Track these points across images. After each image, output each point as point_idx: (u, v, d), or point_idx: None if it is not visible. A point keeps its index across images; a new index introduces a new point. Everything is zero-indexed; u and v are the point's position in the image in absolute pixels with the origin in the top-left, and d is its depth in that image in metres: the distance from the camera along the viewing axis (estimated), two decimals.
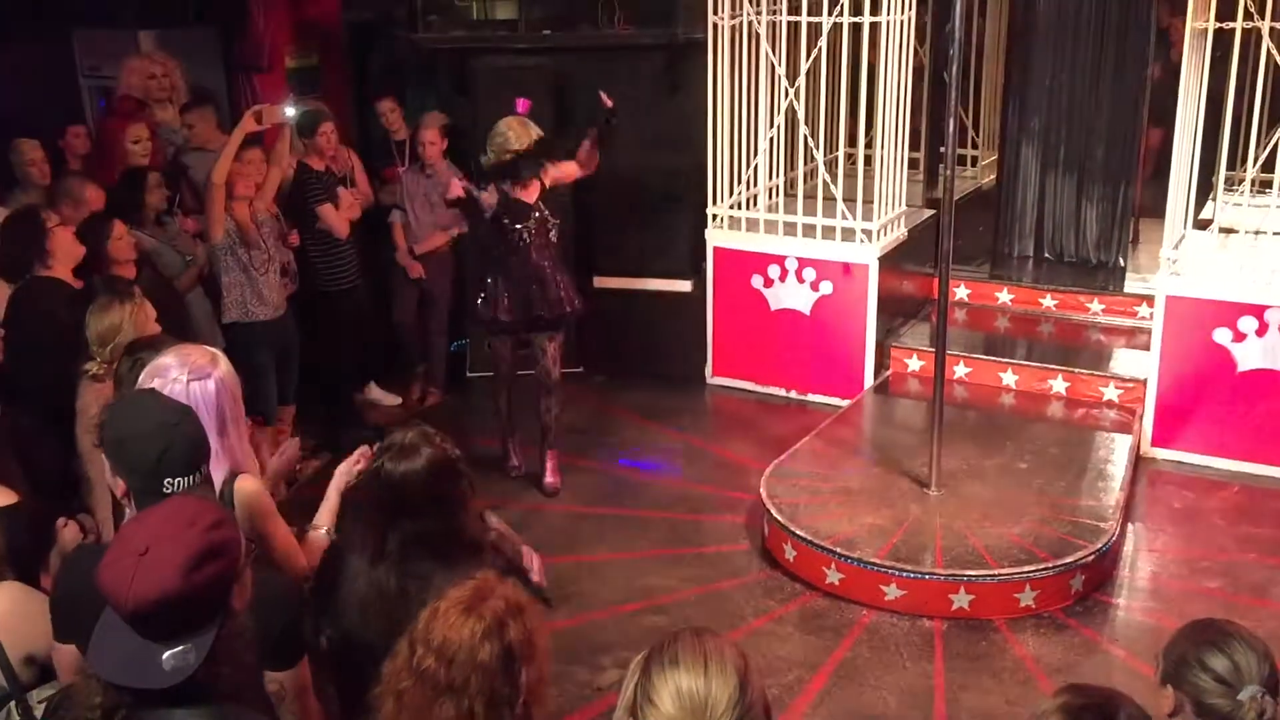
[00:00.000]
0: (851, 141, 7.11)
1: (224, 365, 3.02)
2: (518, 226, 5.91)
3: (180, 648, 1.92)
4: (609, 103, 5.95)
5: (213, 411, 2.92)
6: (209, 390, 2.92)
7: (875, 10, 6.66)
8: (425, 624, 2.15)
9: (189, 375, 2.91)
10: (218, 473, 2.92)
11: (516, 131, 5.86)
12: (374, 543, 2.83)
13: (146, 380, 2.94)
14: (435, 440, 2.88)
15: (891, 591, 5.06)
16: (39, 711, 2.61)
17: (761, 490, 5.70)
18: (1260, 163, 6.25)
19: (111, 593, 1.94)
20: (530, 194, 5.95)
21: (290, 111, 6.16)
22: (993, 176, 8.66)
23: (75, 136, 6.55)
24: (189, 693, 1.94)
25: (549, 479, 6.26)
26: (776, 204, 7.28)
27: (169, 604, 1.91)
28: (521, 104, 6.02)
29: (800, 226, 7.13)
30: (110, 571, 1.95)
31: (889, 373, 7.26)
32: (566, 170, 6.13)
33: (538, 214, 5.95)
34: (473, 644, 2.08)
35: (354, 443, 3.31)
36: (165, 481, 2.53)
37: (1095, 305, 7.56)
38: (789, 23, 6.98)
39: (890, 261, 7.13)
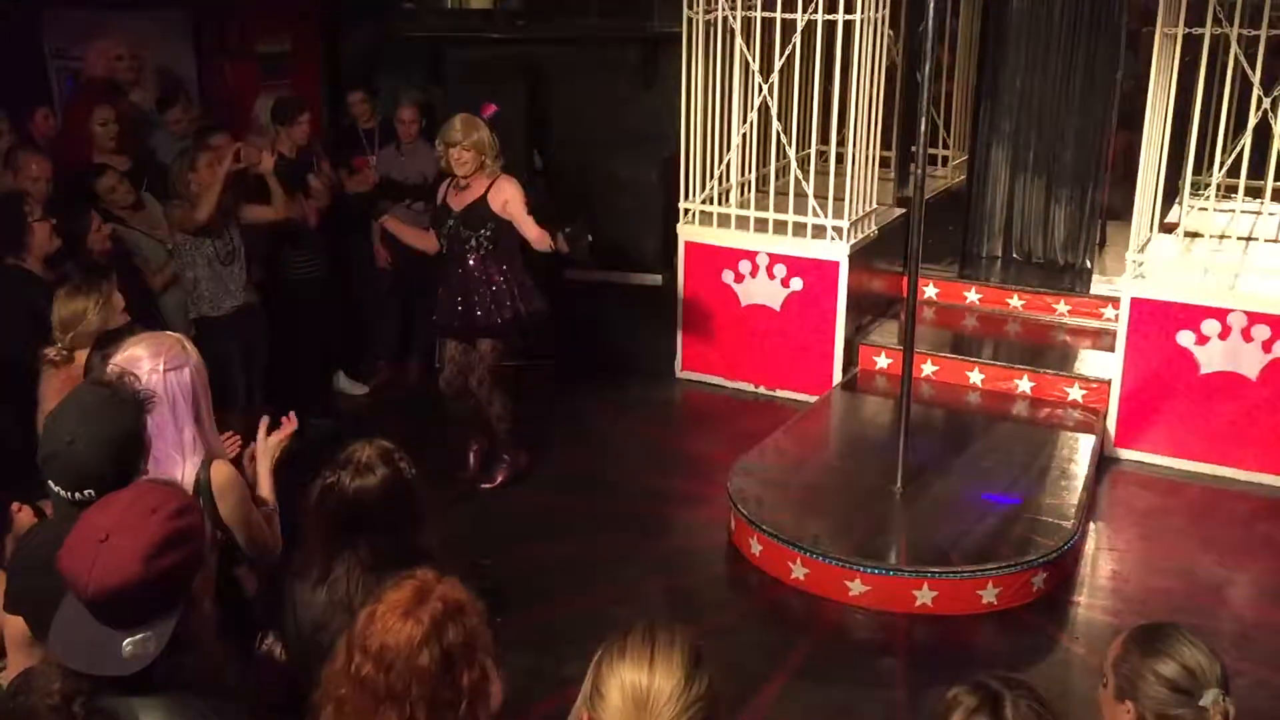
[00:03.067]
0: (824, 139, 7.13)
1: (194, 352, 3.02)
2: (438, 229, 5.91)
3: (140, 635, 1.91)
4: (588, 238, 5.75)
5: (189, 400, 2.91)
6: (185, 379, 2.91)
7: (850, 8, 6.68)
8: (362, 628, 2.10)
9: (165, 365, 2.89)
10: (194, 459, 2.91)
11: (462, 128, 5.67)
12: (325, 559, 2.80)
13: (122, 362, 2.92)
14: (393, 458, 2.86)
15: (856, 587, 5.08)
16: None
17: (728, 485, 5.72)
18: (1226, 168, 6.33)
19: (72, 579, 1.93)
20: (460, 199, 5.80)
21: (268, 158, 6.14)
22: (963, 177, 8.72)
23: (42, 119, 6.49)
24: (148, 681, 1.93)
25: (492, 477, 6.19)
26: (748, 200, 7.30)
27: (129, 592, 1.90)
28: (486, 108, 5.84)
29: (771, 223, 7.15)
30: (71, 557, 1.94)
31: (857, 370, 7.29)
32: (519, 219, 5.76)
33: (451, 222, 5.79)
34: (411, 649, 2.04)
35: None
36: (50, 481, 2.52)
37: (1061, 306, 7.63)
38: (764, 19, 6.99)
39: (860, 259, 7.16)
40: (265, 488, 3.23)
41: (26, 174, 5.45)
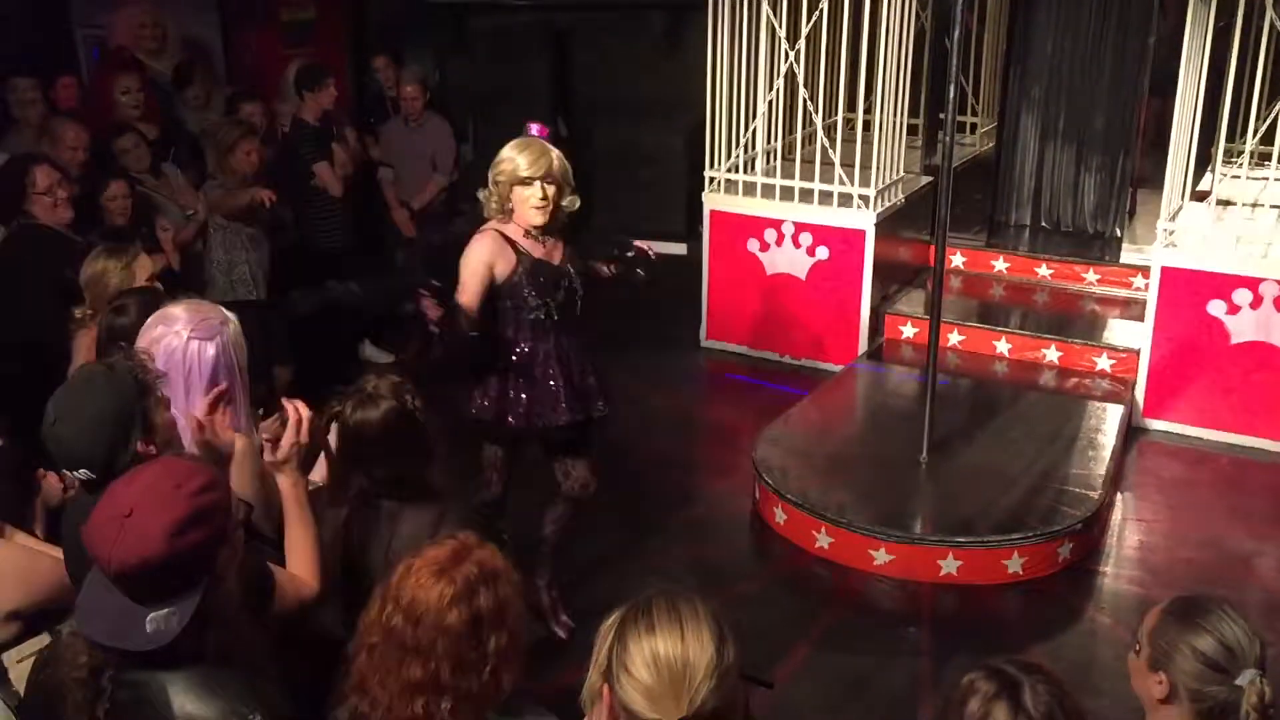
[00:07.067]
0: (851, 106, 7.07)
1: (233, 330, 2.99)
2: (545, 300, 4.18)
3: (163, 611, 1.92)
4: (649, 252, 4.43)
5: (204, 375, 2.89)
6: (207, 354, 2.89)
7: None
8: (398, 580, 2.14)
9: (192, 332, 2.88)
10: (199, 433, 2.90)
11: (534, 154, 4.06)
12: (334, 487, 2.86)
13: (153, 325, 2.93)
14: (400, 391, 2.89)
15: (880, 556, 5.08)
16: (16, 671, 2.60)
17: (753, 454, 5.71)
18: (1259, 135, 6.23)
19: (96, 553, 1.93)
20: (556, 252, 4.23)
21: None
22: (991, 144, 8.63)
23: (64, 88, 6.51)
24: (173, 656, 1.95)
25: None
26: (774, 168, 7.25)
27: (152, 568, 1.91)
28: (537, 128, 4.31)
29: (798, 191, 7.10)
30: (95, 532, 1.94)
31: (883, 339, 7.25)
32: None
33: (567, 282, 4.23)
34: (440, 607, 2.08)
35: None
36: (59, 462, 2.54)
37: (1090, 275, 7.55)
38: None
39: (887, 228, 7.11)
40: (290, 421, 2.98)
41: (64, 143, 5.47)
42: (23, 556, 2.75)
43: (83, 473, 2.48)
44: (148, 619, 1.91)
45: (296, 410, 2.75)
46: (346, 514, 2.84)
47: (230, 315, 3.05)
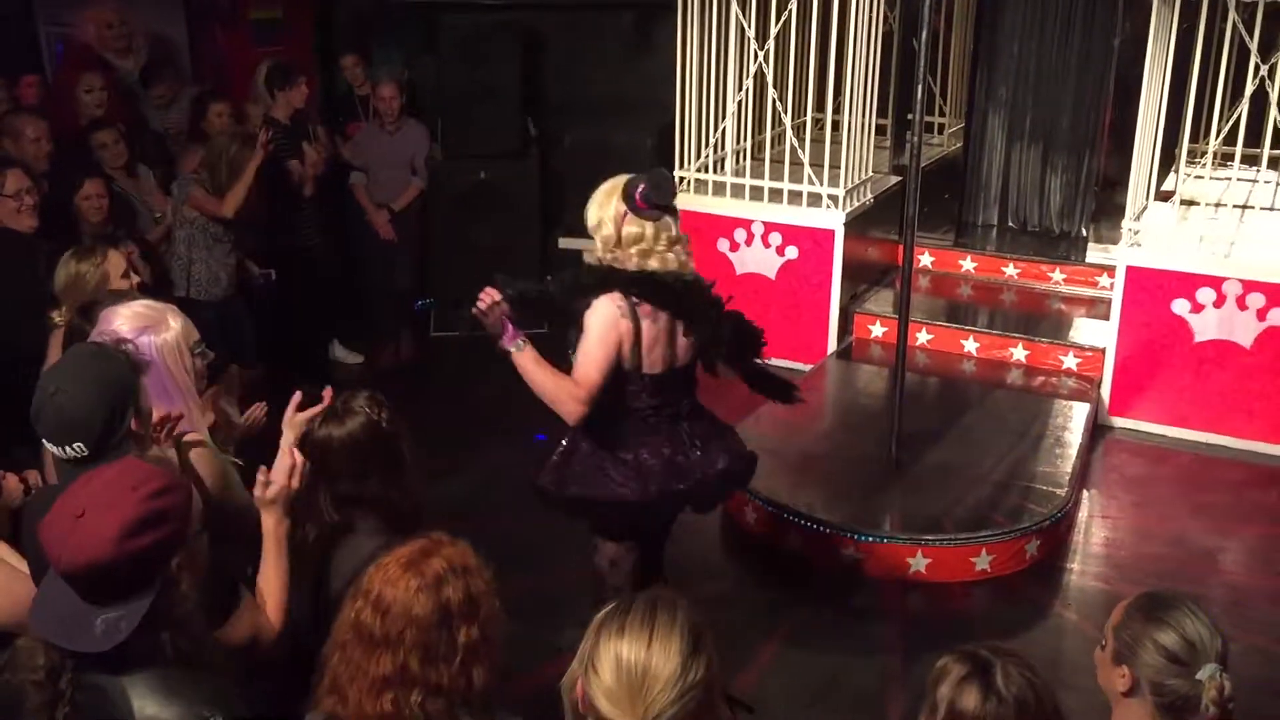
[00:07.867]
0: (820, 106, 7.10)
1: (172, 332, 2.96)
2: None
3: (114, 614, 1.91)
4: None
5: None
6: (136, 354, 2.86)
7: None
8: (369, 577, 2.14)
9: (125, 331, 2.86)
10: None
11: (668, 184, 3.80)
12: (299, 503, 2.83)
13: (98, 324, 2.93)
14: (372, 408, 2.85)
15: (850, 554, 5.10)
16: None
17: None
18: (1223, 135, 6.30)
19: (49, 552, 1.93)
20: None
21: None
22: (959, 145, 8.69)
23: (27, 86, 6.44)
24: (125, 658, 1.94)
25: None
26: (744, 168, 7.27)
27: (100, 570, 1.90)
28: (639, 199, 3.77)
29: (767, 191, 7.12)
30: (48, 531, 1.94)
31: (852, 338, 7.29)
32: None
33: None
34: (408, 598, 2.07)
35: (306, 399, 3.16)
36: (43, 440, 2.51)
37: (1057, 274, 7.62)
38: None
39: (856, 228, 7.14)
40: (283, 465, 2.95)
41: (25, 136, 5.39)
42: (2, 573, 2.70)
43: (77, 447, 2.45)
44: (98, 620, 1.90)
45: (293, 456, 2.72)
46: (311, 529, 2.80)
47: (174, 321, 3.00)
